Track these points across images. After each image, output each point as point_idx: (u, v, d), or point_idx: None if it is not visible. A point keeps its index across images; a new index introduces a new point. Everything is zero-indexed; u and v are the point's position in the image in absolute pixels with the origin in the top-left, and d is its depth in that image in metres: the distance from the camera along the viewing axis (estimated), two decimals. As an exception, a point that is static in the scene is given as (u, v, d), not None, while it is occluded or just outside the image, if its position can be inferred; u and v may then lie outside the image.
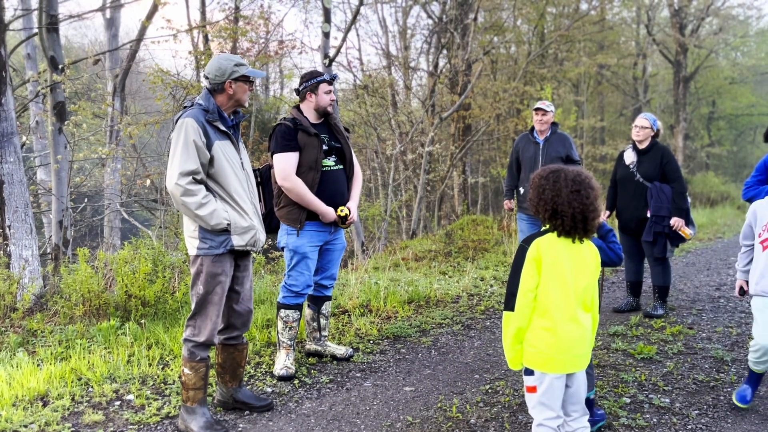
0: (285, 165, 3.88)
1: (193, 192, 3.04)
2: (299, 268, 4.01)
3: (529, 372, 2.56)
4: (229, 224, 3.13)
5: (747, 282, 3.53)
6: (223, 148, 3.16)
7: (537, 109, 5.79)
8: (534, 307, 2.52)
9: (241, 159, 3.29)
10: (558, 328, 2.48)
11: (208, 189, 3.15)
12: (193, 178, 3.07)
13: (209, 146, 3.10)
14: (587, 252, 2.58)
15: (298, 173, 3.93)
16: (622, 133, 23.91)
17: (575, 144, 6.00)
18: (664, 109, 25.57)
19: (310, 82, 4.04)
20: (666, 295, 5.52)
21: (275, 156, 3.93)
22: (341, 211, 4.02)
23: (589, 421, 2.92)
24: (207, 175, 3.15)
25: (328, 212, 3.95)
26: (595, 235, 2.98)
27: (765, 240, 3.35)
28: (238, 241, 3.17)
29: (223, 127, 3.18)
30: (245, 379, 3.98)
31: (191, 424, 3.17)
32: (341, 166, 4.10)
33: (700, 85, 25.21)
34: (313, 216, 3.97)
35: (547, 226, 2.57)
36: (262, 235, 3.36)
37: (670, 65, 23.17)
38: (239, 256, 3.34)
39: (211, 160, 3.12)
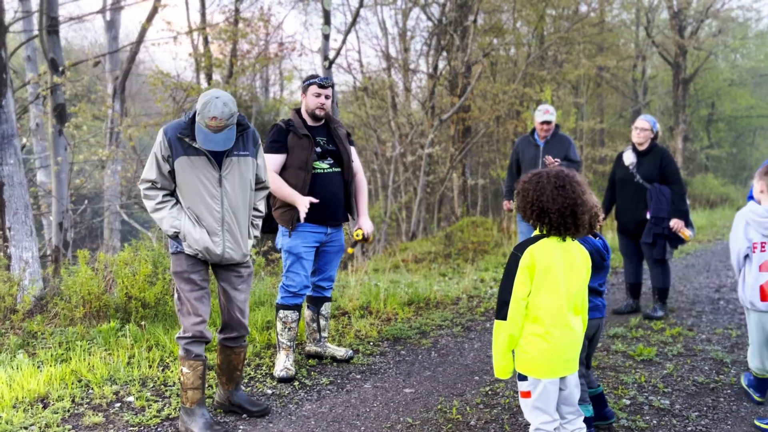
0: (267, 165, 3.93)
1: (150, 197, 3.22)
2: (294, 269, 4.02)
3: (522, 377, 2.55)
4: (176, 232, 3.18)
5: None
6: (190, 163, 3.14)
7: (543, 122, 5.81)
8: (526, 314, 2.50)
9: (220, 174, 3.20)
10: (550, 334, 2.47)
11: (177, 196, 3.23)
12: (153, 185, 3.20)
13: (172, 160, 3.14)
14: (579, 256, 2.58)
15: (289, 174, 3.96)
16: (622, 134, 23.91)
17: (575, 145, 6.04)
18: (664, 110, 25.60)
19: (304, 83, 4.10)
20: (665, 296, 5.53)
21: None
22: (357, 235, 4.07)
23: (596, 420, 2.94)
24: (176, 184, 3.22)
25: (302, 201, 3.86)
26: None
27: None
28: (187, 249, 3.21)
29: (195, 144, 3.13)
30: (246, 380, 3.98)
31: (191, 426, 3.18)
32: (338, 170, 4.11)
33: (699, 87, 25.22)
34: (306, 217, 3.97)
35: (538, 232, 2.57)
36: (228, 254, 3.25)
37: (670, 67, 23.18)
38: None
39: (174, 174, 3.17)
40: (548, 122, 5.82)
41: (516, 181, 6.23)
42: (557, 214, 2.46)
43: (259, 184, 3.47)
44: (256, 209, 3.48)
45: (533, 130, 5.97)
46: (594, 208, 2.64)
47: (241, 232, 3.31)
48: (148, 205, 3.23)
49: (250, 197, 3.36)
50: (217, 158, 3.19)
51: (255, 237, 3.47)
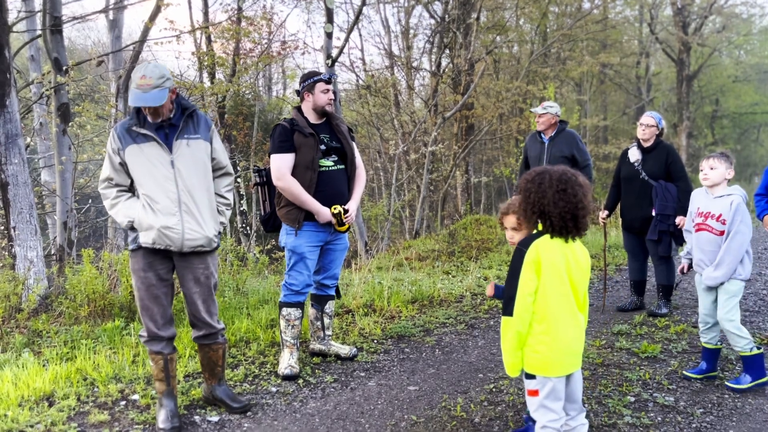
0: (279, 165, 3.93)
1: (106, 195, 3.30)
2: (298, 268, 4.02)
3: (530, 376, 2.53)
4: (131, 222, 3.22)
5: (689, 264, 4.06)
6: (139, 150, 3.19)
7: (537, 114, 5.92)
8: (534, 312, 2.48)
9: (171, 157, 3.22)
10: (559, 331, 2.46)
11: (136, 189, 3.29)
12: (108, 183, 3.28)
13: (122, 151, 3.20)
14: (580, 252, 2.57)
15: (295, 173, 3.95)
16: (625, 131, 23.88)
17: (582, 141, 6.04)
18: (668, 107, 25.53)
19: (308, 81, 4.07)
20: (670, 293, 5.52)
21: (271, 157, 4.00)
22: (334, 208, 3.96)
23: None
24: (131, 177, 3.27)
25: (323, 211, 3.94)
26: None
27: (697, 224, 3.87)
28: (144, 238, 3.22)
29: (142, 131, 3.19)
30: (250, 378, 3.99)
31: (157, 415, 3.30)
32: (342, 167, 4.11)
33: (703, 84, 25.16)
34: (312, 216, 3.98)
35: (540, 228, 2.55)
36: (189, 235, 3.22)
37: (673, 64, 23.12)
38: (175, 257, 3.31)
39: (126, 164, 3.23)
40: (540, 114, 5.89)
41: None
42: (558, 218, 2.46)
43: (220, 170, 3.46)
44: (222, 196, 3.47)
45: None
46: None
47: (201, 214, 3.28)
48: (106, 203, 3.30)
49: (208, 180, 3.35)
50: (167, 143, 3.24)
51: (221, 224, 3.45)
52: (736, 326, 3.72)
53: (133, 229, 3.24)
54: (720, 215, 3.74)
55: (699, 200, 3.92)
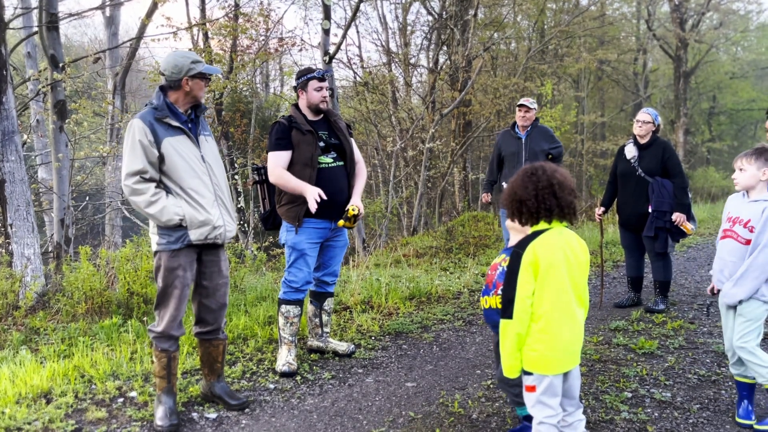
0: (273, 162, 3.97)
1: (141, 191, 3.12)
2: (298, 265, 4.02)
3: (527, 372, 2.53)
4: (181, 219, 3.16)
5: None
6: (175, 143, 3.18)
7: (520, 106, 6.02)
8: (532, 312, 2.46)
9: (201, 152, 3.29)
10: (557, 330, 2.45)
11: (165, 185, 3.20)
12: (141, 177, 3.13)
13: (158, 144, 3.13)
14: (578, 246, 2.56)
15: (295, 170, 3.94)
16: (623, 128, 23.89)
17: (556, 135, 6.22)
18: (665, 104, 25.55)
19: (300, 79, 4.07)
20: (667, 290, 5.53)
21: (268, 155, 4.04)
22: (352, 210, 3.92)
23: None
24: (161, 172, 3.19)
25: (310, 190, 3.81)
26: None
27: (723, 231, 3.31)
28: (195, 236, 3.21)
29: (175, 123, 3.19)
30: (248, 375, 3.99)
31: (155, 412, 3.29)
32: (341, 163, 4.11)
33: (700, 80, 25.19)
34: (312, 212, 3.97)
35: (537, 227, 2.54)
36: (228, 227, 3.35)
37: (671, 60, 23.14)
38: (204, 251, 3.34)
39: (163, 157, 3.16)
40: (526, 108, 5.96)
41: (496, 174, 6.47)
42: (534, 200, 2.46)
43: None
44: None
45: (514, 124, 6.14)
46: None
47: (229, 207, 3.41)
48: (141, 199, 3.10)
49: (225, 174, 3.48)
50: (194, 136, 3.30)
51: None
52: (751, 353, 3.12)
53: (179, 227, 3.16)
54: (748, 221, 3.15)
55: (732, 204, 3.33)
